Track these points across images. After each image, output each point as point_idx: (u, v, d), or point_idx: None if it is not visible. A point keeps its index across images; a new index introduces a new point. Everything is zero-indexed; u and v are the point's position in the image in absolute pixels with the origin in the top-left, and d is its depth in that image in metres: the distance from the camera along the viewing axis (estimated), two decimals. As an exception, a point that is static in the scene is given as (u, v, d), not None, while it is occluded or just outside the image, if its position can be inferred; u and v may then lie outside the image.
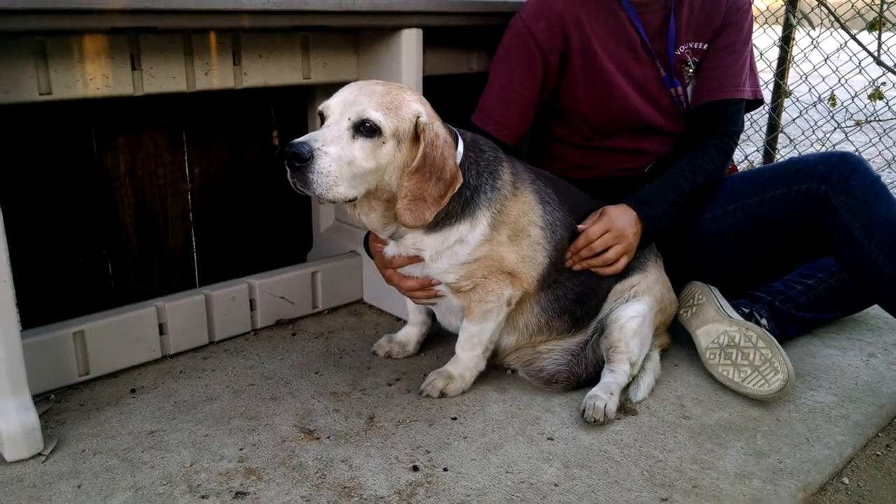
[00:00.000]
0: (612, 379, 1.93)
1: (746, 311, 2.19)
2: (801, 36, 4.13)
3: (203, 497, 1.55)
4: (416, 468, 1.66)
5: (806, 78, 4.09)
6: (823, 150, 4.05)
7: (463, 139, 1.81)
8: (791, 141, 4.28)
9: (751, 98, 2.24)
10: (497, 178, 1.84)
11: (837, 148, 3.59)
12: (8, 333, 1.60)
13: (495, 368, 2.08)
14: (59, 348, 1.93)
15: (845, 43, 3.76)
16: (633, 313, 1.99)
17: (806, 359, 2.20)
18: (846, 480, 1.72)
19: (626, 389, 1.96)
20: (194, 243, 2.45)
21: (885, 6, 3.59)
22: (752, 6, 2.30)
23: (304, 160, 1.54)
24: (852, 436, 1.83)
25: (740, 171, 2.39)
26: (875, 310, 2.46)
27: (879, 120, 3.89)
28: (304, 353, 2.20)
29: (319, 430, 1.80)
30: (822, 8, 3.83)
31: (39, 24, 1.59)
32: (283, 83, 2.16)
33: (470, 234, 1.81)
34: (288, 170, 1.57)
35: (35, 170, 2.08)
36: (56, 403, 1.90)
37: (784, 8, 4.06)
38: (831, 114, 4.07)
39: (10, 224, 1.63)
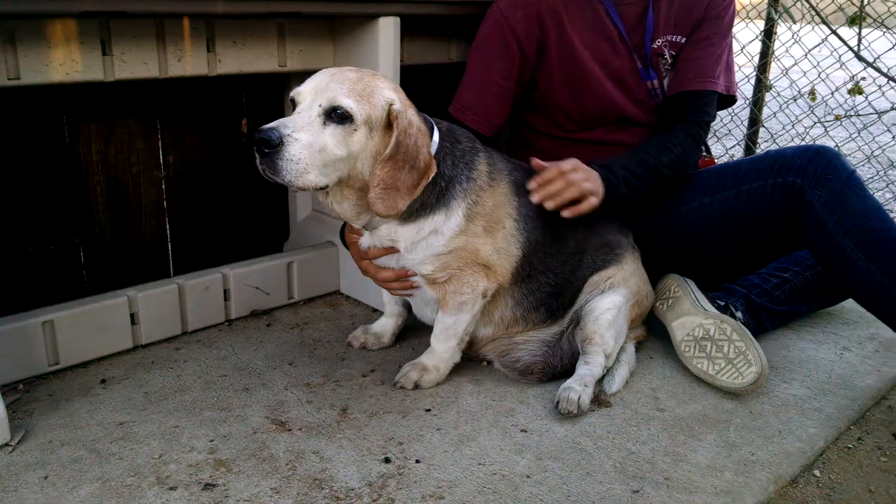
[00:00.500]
0: (587, 371, 1.92)
1: (722, 303, 2.20)
2: (782, 30, 4.15)
3: (171, 489, 1.53)
4: (388, 460, 1.65)
5: (787, 72, 4.10)
6: (803, 144, 4.07)
7: (439, 129, 1.80)
8: (772, 136, 4.30)
9: (723, 92, 2.23)
10: (473, 168, 1.83)
11: (817, 143, 3.61)
12: (-27, 322, 1.58)
13: (471, 359, 2.08)
14: (28, 338, 1.90)
15: (826, 38, 3.78)
16: (608, 305, 1.99)
17: (780, 352, 2.21)
18: (817, 473, 1.73)
19: (600, 381, 1.96)
20: (168, 232, 2.42)
21: (865, 2, 3.61)
22: (735, 1, 2.29)
23: (272, 146, 1.52)
24: (824, 429, 1.84)
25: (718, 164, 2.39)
26: (850, 304, 2.47)
27: (859, 115, 3.91)
28: (278, 343, 2.18)
29: (291, 422, 1.78)
30: (804, 3, 3.84)
31: (7, 6, 1.55)
32: (259, 70, 2.13)
33: (445, 225, 1.79)
34: (257, 156, 1.55)
35: (5, 157, 2.04)
36: (24, 393, 1.87)
37: (766, 2, 4.07)
38: (811, 108, 4.09)
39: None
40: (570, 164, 1.95)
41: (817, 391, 2.01)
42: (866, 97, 3.90)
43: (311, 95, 1.62)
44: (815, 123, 4.07)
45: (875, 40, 3.69)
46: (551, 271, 1.99)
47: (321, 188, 1.63)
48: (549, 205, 1.89)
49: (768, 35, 4.06)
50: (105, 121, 2.20)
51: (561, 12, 2.13)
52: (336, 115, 1.59)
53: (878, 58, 3.64)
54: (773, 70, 4.20)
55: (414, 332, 2.24)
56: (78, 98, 2.12)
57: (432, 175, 1.70)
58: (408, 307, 2.16)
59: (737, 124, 4.46)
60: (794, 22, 4.00)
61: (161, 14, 1.89)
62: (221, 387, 1.93)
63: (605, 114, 2.23)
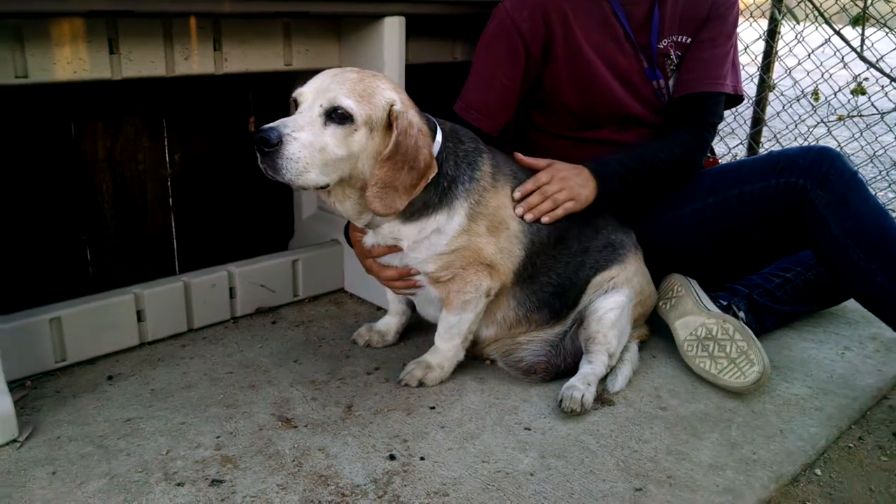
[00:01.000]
0: (590, 370, 1.94)
1: (725, 303, 2.21)
2: (786, 30, 4.15)
3: (179, 485, 1.55)
4: (392, 457, 1.66)
5: (790, 72, 4.11)
6: (806, 144, 4.08)
7: (442, 129, 1.81)
8: (775, 135, 4.30)
9: (731, 92, 2.24)
10: (476, 168, 1.84)
11: (820, 142, 3.62)
12: (-18, 319, 1.59)
13: (474, 358, 2.09)
14: (35, 334, 1.92)
15: (829, 38, 3.78)
16: (611, 305, 2.00)
17: (782, 351, 2.22)
18: (818, 472, 1.74)
19: (603, 380, 1.97)
20: (174, 230, 2.43)
21: (868, 2, 3.61)
22: (739, 0, 2.30)
23: (272, 145, 1.54)
24: (826, 428, 1.85)
25: (721, 164, 2.40)
26: (851, 303, 2.48)
27: (861, 115, 3.91)
28: (283, 341, 2.20)
29: (297, 419, 1.79)
30: (808, 3, 3.84)
31: (16, 6, 1.57)
32: (265, 69, 2.14)
33: (447, 225, 1.80)
34: (258, 155, 1.57)
35: (13, 154, 2.06)
36: (32, 390, 1.89)
37: (770, 2, 4.08)
38: (814, 108, 4.09)
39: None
40: (547, 175, 1.98)
41: (818, 390, 2.02)
42: (869, 97, 3.90)
43: (312, 96, 1.63)
44: (818, 123, 4.07)
45: (878, 41, 3.69)
46: (554, 272, 2.00)
47: (322, 187, 1.65)
48: (529, 217, 1.93)
49: (772, 35, 4.06)
50: (112, 119, 2.21)
51: (567, 12, 2.13)
52: (337, 116, 1.60)
53: (881, 58, 3.65)
54: (777, 70, 4.21)
55: (418, 330, 2.25)
56: (85, 96, 2.13)
57: (432, 175, 1.72)
58: (412, 306, 2.17)
59: (740, 124, 4.46)
60: (798, 22, 4.00)
61: (168, 13, 1.90)
62: (227, 384, 1.95)
63: (611, 113, 2.24)
